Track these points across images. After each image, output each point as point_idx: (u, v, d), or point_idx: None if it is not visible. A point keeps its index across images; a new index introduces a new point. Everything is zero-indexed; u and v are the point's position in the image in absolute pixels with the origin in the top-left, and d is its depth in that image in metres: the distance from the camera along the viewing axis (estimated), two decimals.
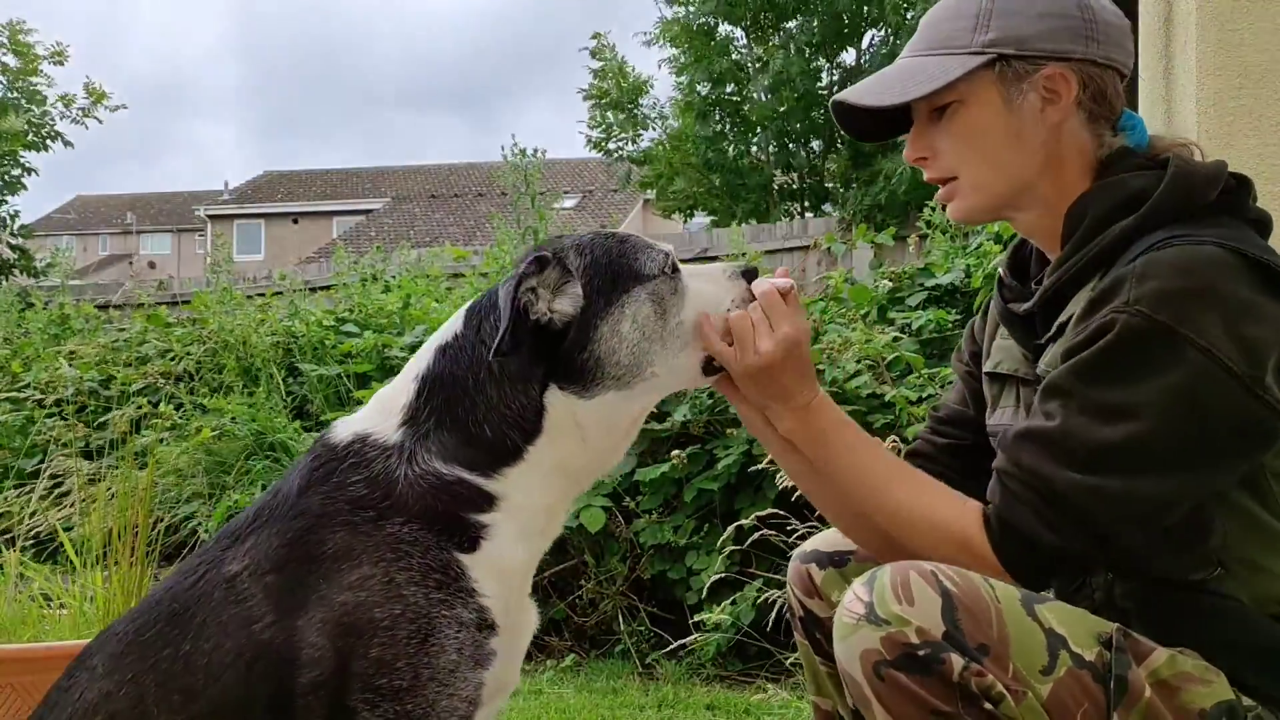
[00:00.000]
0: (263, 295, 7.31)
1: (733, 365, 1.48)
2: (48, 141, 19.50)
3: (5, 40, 19.30)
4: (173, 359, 5.94)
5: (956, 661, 1.27)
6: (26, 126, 18.71)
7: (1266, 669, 1.37)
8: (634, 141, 15.37)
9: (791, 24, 14.43)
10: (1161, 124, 2.46)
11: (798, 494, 2.96)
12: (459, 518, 1.38)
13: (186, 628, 1.36)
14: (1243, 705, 1.35)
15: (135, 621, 1.42)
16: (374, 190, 36.11)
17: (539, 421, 1.43)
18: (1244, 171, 1.50)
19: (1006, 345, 1.62)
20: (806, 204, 14.74)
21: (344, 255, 8.42)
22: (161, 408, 5.27)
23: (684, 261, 1.56)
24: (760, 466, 3.84)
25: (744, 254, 6.16)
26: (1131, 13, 2.35)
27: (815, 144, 14.66)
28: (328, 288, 7.75)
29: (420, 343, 2.25)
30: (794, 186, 14.86)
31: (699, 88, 14.54)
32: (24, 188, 19.60)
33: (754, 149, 14.66)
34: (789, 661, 3.66)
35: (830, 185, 14.71)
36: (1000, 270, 1.68)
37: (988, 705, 1.27)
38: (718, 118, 14.54)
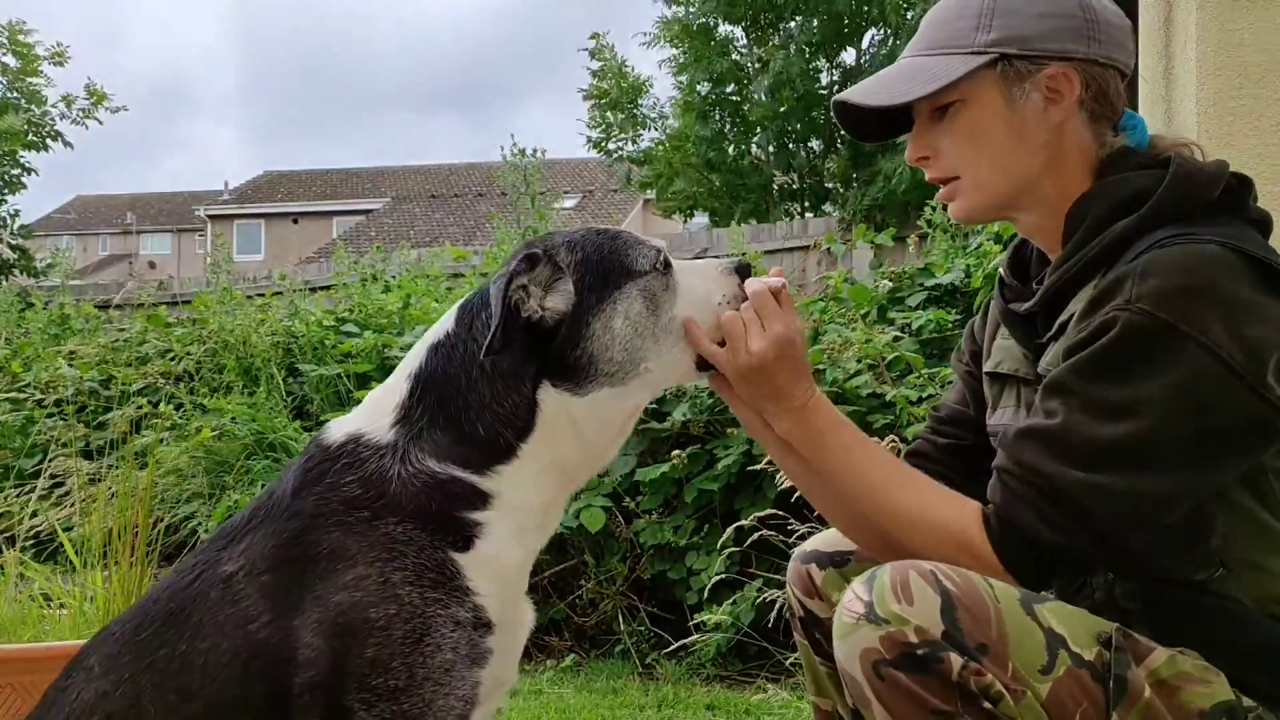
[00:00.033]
0: (263, 295, 7.31)
1: (725, 366, 1.48)
2: (47, 141, 19.51)
3: (5, 40, 19.31)
4: (173, 359, 5.94)
5: (955, 661, 1.27)
6: (26, 126, 18.72)
7: (1267, 669, 1.37)
8: (634, 142, 15.37)
9: (791, 24, 14.42)
10: (1161, 124, 2.46)
11: (798, 494, 2.97)
12: (453, 516, 1.38)
13: (183, 628, 1.36)
14: (1243, 706, 1.35)
15: (132, 621, 1.42)
16: (374, 190, 36.11)
17: (532, 419, 1.43)
18: (1244, 171, 1.50)
19: (1007, 345, 1.62)
20: (806, 204, 14.73)
21: (344, 255, 8.42)
22: (161, 408, 5.27)
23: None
24: (760, 467, 3.84)
25: (744, 254, 6.15)
26: (1131, 13, 2.34)
27: (815, 144, 14.66)
28: (328, 288, 7.75)
29: None
30: (794, 186, 14.86)
31: (699, 87, 14.54)
32: (24, 187, 19.61)
33: (754, 149, 14.66)
34: (789, 661, 3.66)
35: (830, 185, 14.70)
36: (1001, 270, 1.68)
37: (987, 704, 1.28)
38: (718, 118, 14.53)
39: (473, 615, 1.36)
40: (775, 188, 14.80)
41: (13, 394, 5.83)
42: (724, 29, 14.79)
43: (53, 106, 19.67)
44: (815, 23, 14.10)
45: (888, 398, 3.98)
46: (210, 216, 35.57)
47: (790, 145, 14.52)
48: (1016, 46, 1.47)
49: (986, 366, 1.68)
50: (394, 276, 7.26)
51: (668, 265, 1.49)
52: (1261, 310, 1.33)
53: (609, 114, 15.30)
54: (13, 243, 18.33)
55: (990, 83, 1.49)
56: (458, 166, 37.13)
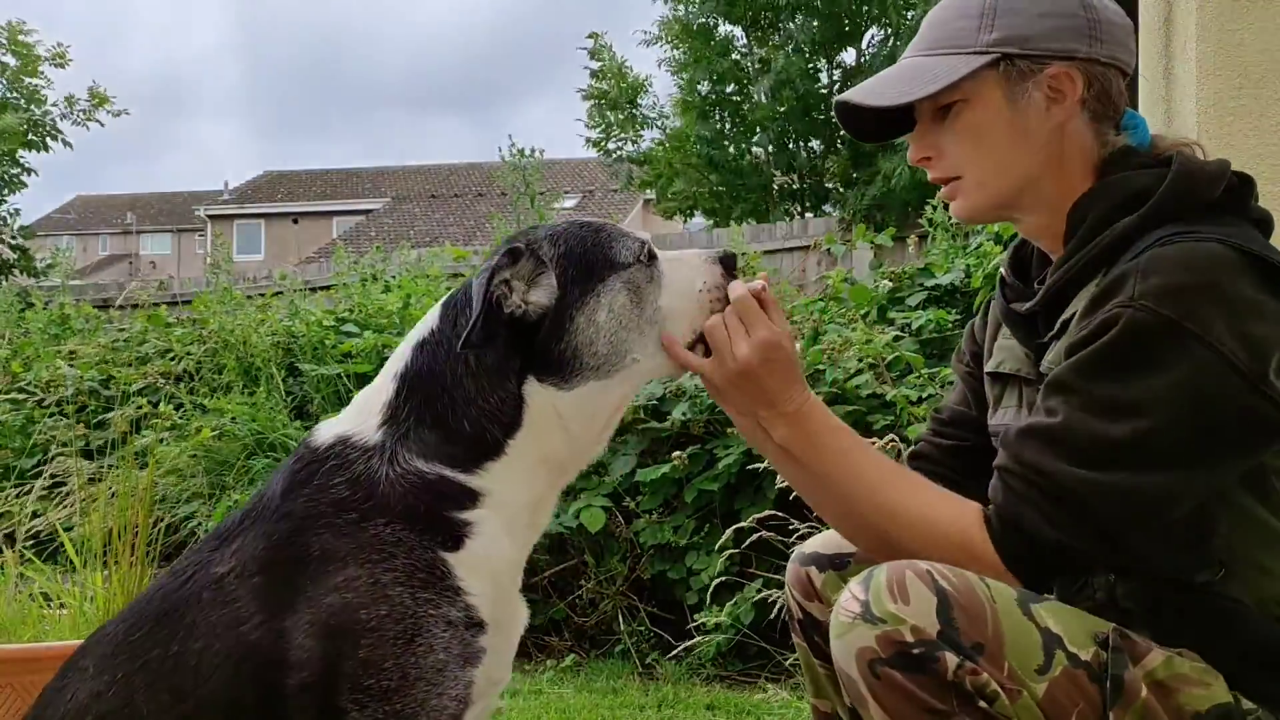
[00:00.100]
0: (263, 295, 7.31)
1: (711, 375, 1.48)
2: (47, 141, 19.52)
3: (4, 40, 19.32)
4: (173, 359, 5.94)
5: (951, 660, 1.27)
6: (25, 126, 18.72)
7: (1268, 670, 1.37)
8: (634, 142, 15.36)
9: (792, 24, 14.41)
10: (1161, 124, 2.46)
11: (797, 493, 2.97)
12: (442, 516, 1.38)
13: (176, 628, 1.36)
14: (1243, 708, 1.35)
15: (125, 622, 1.42)
16: (374, 190, 36.12)
17: (519, 414, 1.42)
18: (1244, 172, 1.50)
19: (1008, 345, 1.62)
20: (806, 204, 14.73)
21: (344, 255, 8.41)
22: (161, 408, 5.27)
23: None
24: (760, 466, 3.84)
25: (744, 254, 6.15)
26: (1131, 13, 2.34)
27: (815, 144, 14.65)
28: (328, 288, 7.74)
29: None
30: (794, 186, 14.85)
31: (699, 87, 14.53)
32: (24, 186, 19.62)
33: (754, 149, 14.65)
34: (789, 662, 3.66)
35: (830, 185, 14.70)
36: (1002, 270, 1.67)
37: (982, 704, 1.28)
38: (717, 118, 14.53)
39: (464, 615, 1.36)
40: (775, 188, 14.80)
41: (13, 394, 5.82)
42: (724, 29, 14.79)
43: (53, 106, 19.69)
44: (815, 23, 14.09)
45: (888, 398, 3.98)
46: (210, 216, 35.57)
47: (790, 145, 14.52)
48: (1018, 46, 1.47)
49: (988, 367, 1.67)
50: (394, 276, 7.25)
51: (652, 257, 1.48)
52: (1263, 309, 1.33)
53: (609, 114, 15.29)
54: (13, 243, 18.33)
55: (992, 82, 1.49)
56: (458, 166, 37.13)
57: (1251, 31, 2.29)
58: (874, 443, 3.27)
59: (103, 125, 20.08)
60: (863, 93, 1.55)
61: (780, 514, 3.61)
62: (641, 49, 15.14)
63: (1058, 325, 1.48)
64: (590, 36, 15.36)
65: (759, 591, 3.70)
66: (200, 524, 4.68)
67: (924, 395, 3.95)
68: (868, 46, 14.59)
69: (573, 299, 1.42)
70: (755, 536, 3.64)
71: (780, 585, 3.42)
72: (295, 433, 5.01)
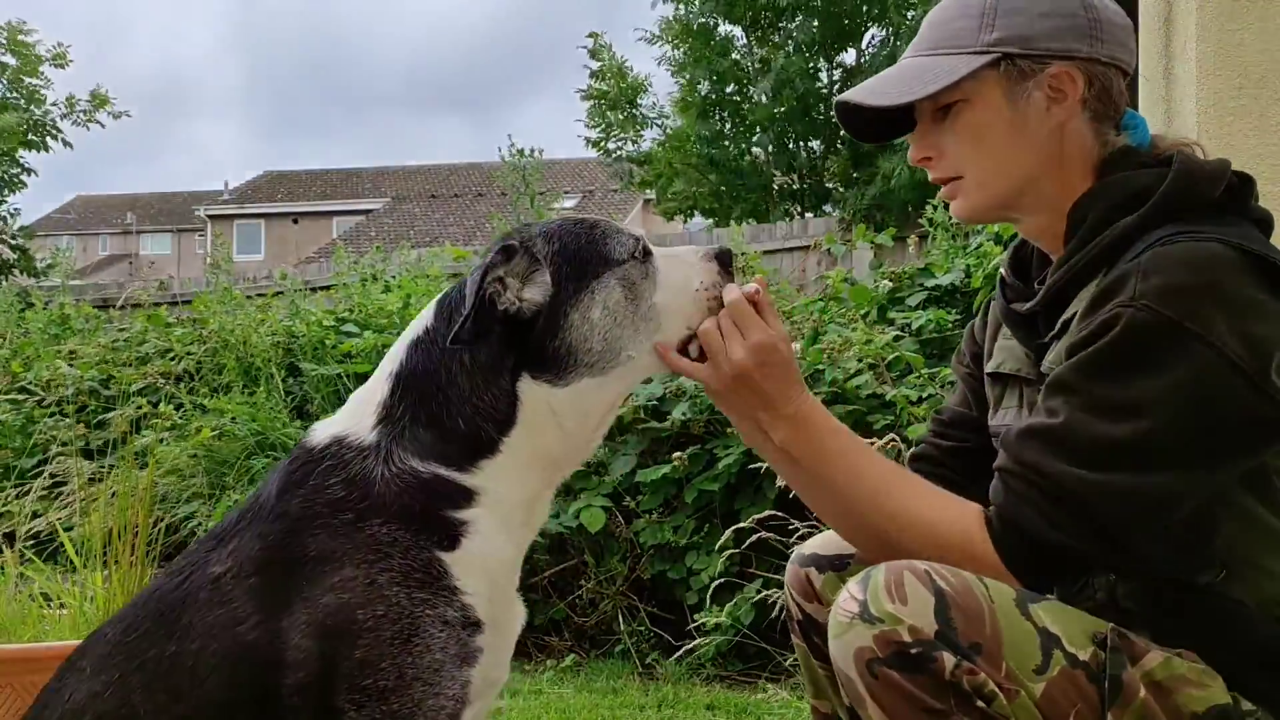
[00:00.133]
0: (263, 295, 7.31)
1: (707, 380, 1.47)
2: (47, 141, 19.54)
3: (4, 40, 19.34)
4: (173, 359, 5.94)
5: (948, 660, 1.27)
6: (25, 126, 18.74)
7: (1269, 671, 1.37)
8: (634, 142, 15.36)
9: (792, 24, 14.41)
10: (1161, 124, 2.46)
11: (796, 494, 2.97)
12: (438, 515, 1.38)
13: (172, 629, 1.36)
14: (1243, 709, 1.35)
15: (122, 623, 1.42)
16: (374, 190, 36.12)
17: (513, 412, 1.42)
18: (1244, 171, 1.50)
19: (1009, 345, 1.62)
20: (806, 204, 14.73)
21: (344, 255, 8.41)
22: (161, 408, 5.27)
23: None
24: (760, 466, 3.84)
25: (743, 254, 6.15)
26: (1131, 13, 2.35)
27: (815, 144, 14.65)
28: (328, 288, 7.74)
29: None
30: (794, 186, 14.85)
31: (699, 87, 14.53)
32: (23, 185, 19.64)
33: (754, 149, 14.65)
34: (789, 662, 3.66)
35: (830, 185, 14.69)
36: (1002, 270, 1.67)
37: (980, 704, 1.28)
38: (717, 118, 14.53)
39: (461, 614, 1.36)
40: (775, 188, 14.80)
41: (13, 394, 5.82)
42: (724, 29, 14.78)
43: (53, 105, 19.71)
44: (815, 23, 14.09)
45: (888, 398, 3.98)
46: (210, 216, 35.58)
47: (790, 145, 14.51)
48: (1019, 46, 1.47)
49: (988, 367, 1.67)
50: (394, 276, 7.25)
51: (647, 253, 1.48)
52: (1264, 308, 1.33)
53: (609, 114, 15.29)
54: (13, 243, 18.35)
55: (993, 82, 1.49)
56: (458, 166, 37.13)
57: (1251, 31, 2.29)
58: (874, 443, 3.27)
59: (103, 127, 20.11)
60: (863, 92, 1.55)
61: (780, 514, 3.61)
62: (642, 45, 15.13)
63: (1058, 325, 1.47)
64: (590, 36, 15.38)
65: (759, 592, 3.70)
66: (200, 524, 4.68)
67: (924, 395, 3.95)
68: (868, 46, 14.59)
69: (567, 295, 1.42)
70: (755, 537, 3.64)
71: (780, 585, 3.43)
72: (295, 433, 5.01)
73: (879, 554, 1.46)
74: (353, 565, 1.33)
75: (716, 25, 14.68)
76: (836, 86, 14.17)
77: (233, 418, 5.03)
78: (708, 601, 3.85)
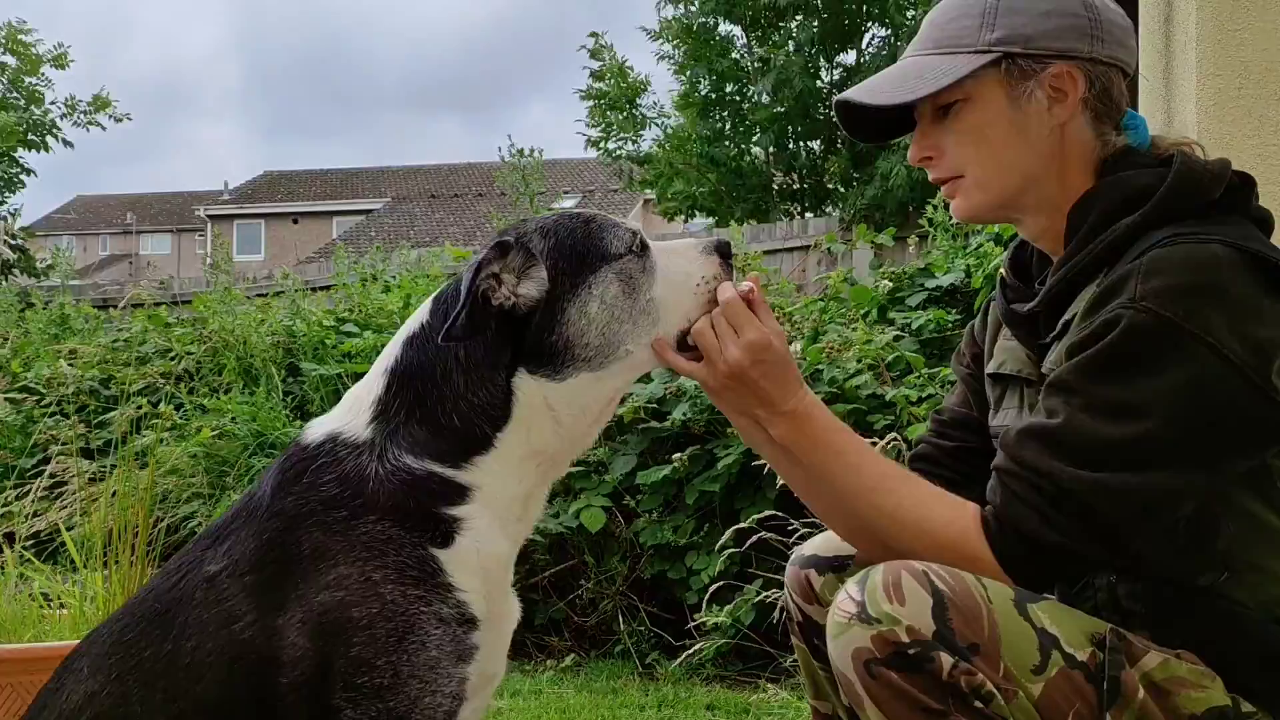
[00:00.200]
0: (263, 295, 7.30)
1: (704, 379, 1.47)
2: (47, 141, 19.56)
3: (3, 40, 19.37)
4: (173, 359, 5.94)
5: (946, 660, 1.27)
6: (25, 126, 18.75)
7: (1270, 673, 1.37)
8: (634, 142, 15.35)
9: (792, 24, 14.41)
10: (1161, 124, 2.46)
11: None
12: (432, 512, 1.38)
13: (169, 628, 1.36)
14: (1243, 710, 1.35)
15: (119, 623, 1.42)
16: (374, 190, 36.12)
17: (508, 408, 1.42)
18: (1244, 171, 1.50)
19: (1010, 346, 1.62)
20: (806, 204, 14.72)
21: (344, 255, 8.42)
22: (161, 408, 5.27)
23: None
24: (760, 466, 3.84)
25: (744, 254, 6.15)
26: (1131, 13, 2.35)
27: (815, 144, 14.64)
28: (328, 288, 7.75)
29: None
30: (794, 186, 14.84)
31: (700, 86, 14.53)
32: (22, 185, 19.67)
33: (754, 149, 14.64)
34: (788, 662, 3.66)
35: (830, 185, 14.68)
36: (1002, 270, 1.67)
37: (978, 704, 1.28)
38: (717, 117, 14.52)
39: (456, 611, 1.36)
40: (775, 188, 14.79)
41: (13, 394, 5.82)
42: (724, 28, 14.78)
43: (52, 105, 19.72)
44: (815, 23, 14.08)
45: (888, 398, 3.98)
46: (210, 216, 35.59)
47: (790, 145, 14.51)
48: (1020, 45, 1.47)
49: (989, 368, 1.67)
50: (394, 276, 7.25)
51: (644, 247, 1.48)
52: (1265, 310, 1.33)
53: (609, 114, 15.28)
54: (13, 243, 18.36)
55: (994, 82, 1.49)
56: (458, 166, 37.14)
57: (1251, 31, 2.29)
58: (874, 443, 3.27)
59: (104, 129, 20.14)
60: (863, 92, 1.55)
61: (780, 514, 3.61)
62: (643, 46, 15.13)
63: (1059, 326, 1.47)
64: (591, 36, 15.37)
65: (759, 592, 3.70)
66: (200, 524, 4.68)
67: (924, 395, 3.95)
68: (867, 46, 14.58)
69: (564, 291, 1.42)
70: (755, 537, 3.64)
71: (780, 585, 3.42)
72: (295, 432, 5.00)
73: (876, 552, 1.47)
74: (347, 563, 1.33)
75: (716, 25, 14.67)
76: (836, 86, 14.16)
77: (233, 418, 5.03)
78: (707, 602, 3.85)
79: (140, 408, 5.16)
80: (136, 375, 5.68)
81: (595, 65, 15.21)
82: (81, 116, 19.95)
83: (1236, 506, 1.38)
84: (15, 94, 19.65)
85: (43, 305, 7.94)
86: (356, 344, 5.50)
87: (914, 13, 13.11)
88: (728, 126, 14.63)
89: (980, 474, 1.52)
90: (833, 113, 1.65)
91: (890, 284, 4.95)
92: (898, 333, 4.48)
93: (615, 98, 15.09)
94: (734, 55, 14.66)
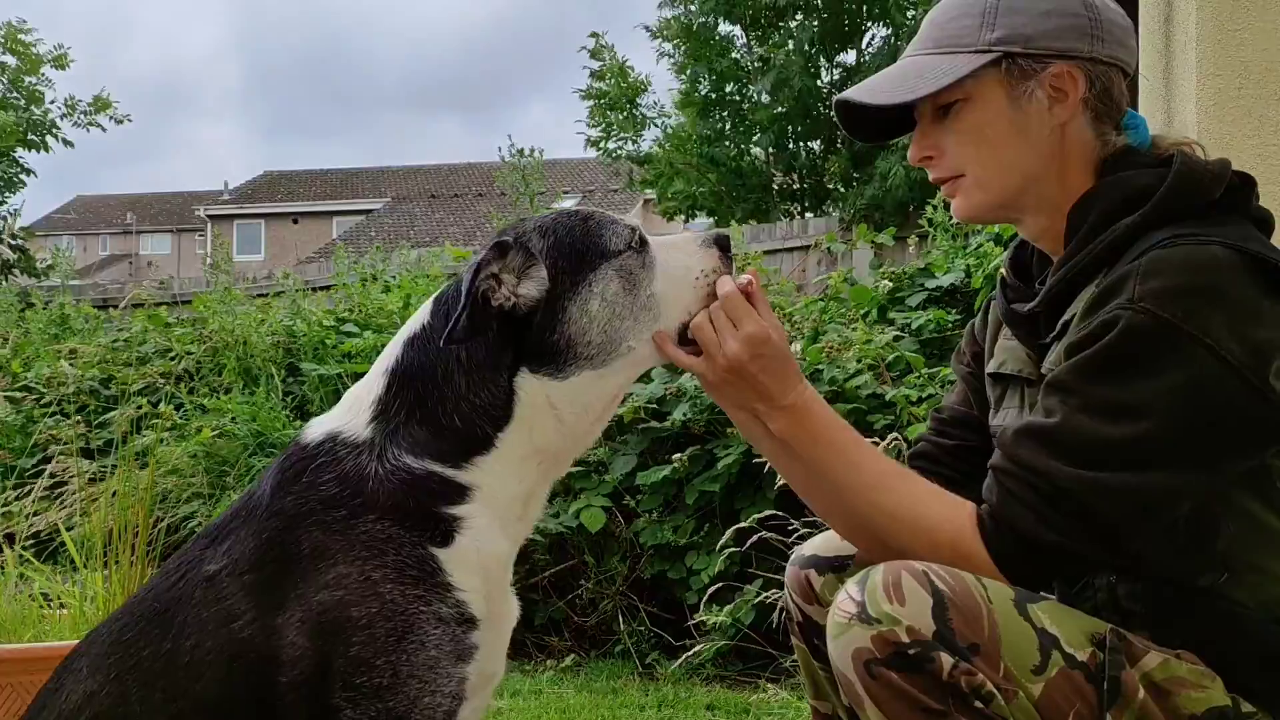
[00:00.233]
0: (264, 295, 7.31)
1: (704, 373, 1.47)
2: (47, 140, 19.57)
3: (3, 40, 19.38)
4: (173, 359, 5.94)
5: (946, 660, 1.27)
6: (24, 126, 18.76)
7: (1270, 673, 1.37)
8: (634, 142, 15.35)
9: (792, 23, 14.41)
10: (1161, 124, 2.46)
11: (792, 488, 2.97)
12: (432, 512, 1.38)
13: (168, 627, 1.36)
14: (1243, 710, 1.35)
15: (118, 622, 1.42)
16: (374, 190, 36.12)
17: (510, 408, 1.42)
18: (1244, 171, 1.50)
19: (1010, 346, 1.61)
20: (806, 204, 14.72)
21: (344, 255, 8.42)
22: (162, 408, 5.27)
23: None
24: (761, 465, 3.84)
25: (744, 254, 6.16)
26: (1131, 13, 2.35)
27: (815, 144, 14.64)
28: (328, 288, 7.75)
29: None
30: (794, 186, 14.84)
31: (700, 86, 14.53)
32: (22, 185, 19.68)
33: (754, 149, 14.64)
34: (788, 662, 3.66)
35: (830, 185, 14.68)
36: (1003, 270, 1.67)
37: (978, 704, 1.28)
38: (717, 117, 14.52)
39: (456, 611, 1.35)
40: (775, 188, 14.79)
41: (13, 393, 5.82)
42: (724, 28, 14.78)
43: (52, 104, 19.73)
44: (815, 23, 14.08)
45: (888, 398, 3.98)
46: (210, 216, 35.60)
47: (790, 145, 14.51)
48: (1021, 45, 1.47)
49: (989, 367, 1.67)
50: (394, 276, 7.26)
51: (643, 243, 1.48)
52: (1264, 311, 1.33)
53: (609, 114, 15.28)
54: (13, 243, 18.36)
55: (994, 81, 1.48)
56: (458, 166, 37.14)
57: (1251, 31, 2.29)
58: (875, 443, 3.27)
59: (104, 130, 20.14)
60: (863, 91, 1.55)
61: (780, 514, 3.61)
62: (644, 42, 15.13)
63: (1059, 326, 1.47)
64: (591, 36, 15.37)
65: (759, 593, 3.70)
66: (200, 524, 4.68)
67: (924, 395, 3.95)
68: (868, 46, 14.58)
69: (564, 289, 1.42)
70: (756, 537, 3.64)
71: (780, 585, 3.42)
72: (295, 432, 5.00)
73: (874, 550, 1.47)
74: (347, 562, 1.33)
75: (716, 25, 14.67)
76: (836, 86, 14.16)
77: (233, 418, 5.04)
78: (707, 602, 3.85)
79: (140, 408, 5.16)
80: (136, 375, 5.68)
81: (595, 65, 15.21)
82: (82, 117, 19.97)
83: (1236, 507, 1.38)
84: (15, 94, 19.65)
85: (43, 305, 7.94)
86: (356, 344, 5.50)
87: (914, 12, 13.11)
88: (728, 126, 14.62)
89: (980, 473, 1.52)
90: (832, 112, 1.64)
91: (890, 284, 4.95)
92: (898, 333, 4.48)
93: (615, 98, 15.08)
94: (734, 55, 14.66)
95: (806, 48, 13.94)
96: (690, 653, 3.83)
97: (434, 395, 1.41)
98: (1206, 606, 1.39)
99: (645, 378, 4.23)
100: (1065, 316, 1.46)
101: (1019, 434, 1.39)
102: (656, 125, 15.18)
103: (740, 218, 13.10)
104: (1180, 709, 1.32)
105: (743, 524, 3.70)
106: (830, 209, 14.15)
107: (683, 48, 14.54)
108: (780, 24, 14.44)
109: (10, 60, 19.61)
